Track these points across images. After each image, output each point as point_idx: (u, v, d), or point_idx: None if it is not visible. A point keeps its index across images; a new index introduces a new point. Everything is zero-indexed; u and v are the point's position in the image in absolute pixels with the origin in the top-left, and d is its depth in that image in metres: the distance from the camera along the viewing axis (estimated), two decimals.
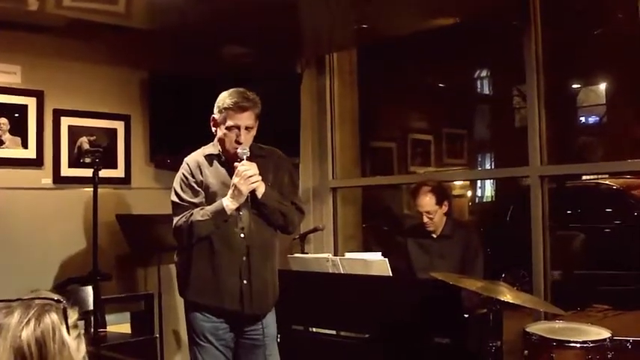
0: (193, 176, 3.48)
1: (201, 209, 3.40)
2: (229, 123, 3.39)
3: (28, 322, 1.41)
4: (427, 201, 4.46)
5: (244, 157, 3.36)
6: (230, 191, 3.37)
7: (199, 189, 3.47)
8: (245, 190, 3.34)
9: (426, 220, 4.48)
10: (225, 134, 3.42)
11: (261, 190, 3.40)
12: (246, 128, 3.41)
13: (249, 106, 3.40)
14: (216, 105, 3.47)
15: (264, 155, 3.50)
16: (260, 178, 3.37)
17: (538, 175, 4.74)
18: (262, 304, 3.52)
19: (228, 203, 3.37)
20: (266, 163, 3.48)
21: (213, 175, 3.49)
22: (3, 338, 1.40)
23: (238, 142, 3.39)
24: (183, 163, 3.56)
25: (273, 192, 3.48)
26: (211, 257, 3.45)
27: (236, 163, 3.37)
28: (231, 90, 3.46)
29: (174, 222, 3.45)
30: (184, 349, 5.20)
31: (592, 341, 3.01)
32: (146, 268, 5.30)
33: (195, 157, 3.54)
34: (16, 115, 4.73)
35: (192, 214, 3.39)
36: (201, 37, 5.15)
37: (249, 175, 3.33)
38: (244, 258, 3.44)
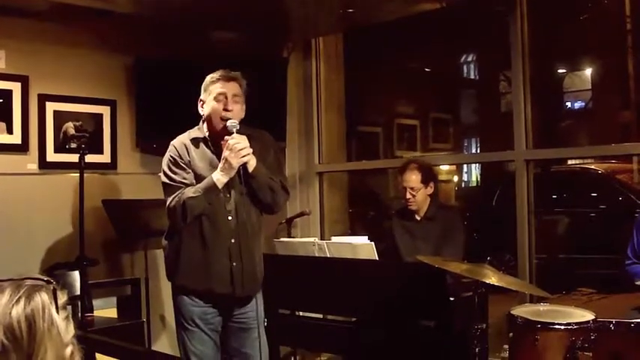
0: (181, 157, 3.48)
1: (192, 187, 3.41)
2: (217, 91, 3.43)
3: (18, 301, 1.43)
4: (413, 177, 4.48)
5: (234, 130, 3.36)
6: (220, 164, 3.38)
7: (189, 169, 3.48)
8: (235, 163, 3.34)
9: (408, 196, 4.48)
10: (213, 107, 3.43)
11: (252, 163, 3.40)
12: (234, 96, 3.43)
13: (235, 76, 3.48)
14: (202, 87, 3.52)
15: (251, 136, 3.49)
16: (251, 151, 3.37)
17: (523, 159, 4.78)
18: (252, 286, 3.55)
19: (218, 177, 3.37)
20: (253, 143, 3.47)
21: (199, 157, 3.50)
22: None
23: (227, 110, 3.40)
24: (170, 146, 3.56)
25: (263, 167, 3.49)
26: (200, 240, 3.46)
27: (226, 137, 3.37)
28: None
29: (167, 203, 3.44)
30: (171, 333, 5.20)
31: (576, 323, 3.04)
32: (133, 253, 5.29)
33: (181, 140, 3.55)
34: (1, 100, 4.70)
35: (183, 192, 3.39)
36: (186, 21, 5.14)
37: (239, 149, 3.34)
38: (232, 240, 3.45)
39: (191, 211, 3.38)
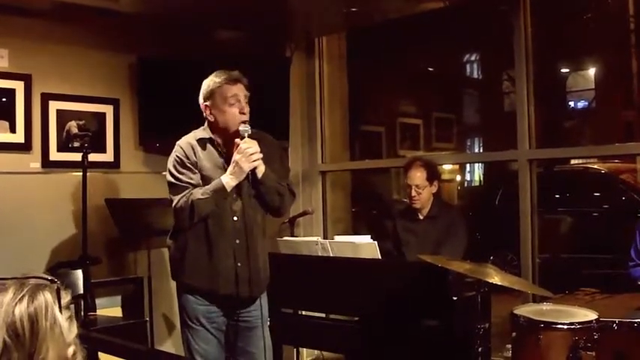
0: (188, 157, 3.47)
1: (200, 188, 3.41)
2: (229, 95, 3.40)
3: (21, 299, 1.43)
4: (418, 175, 4.48)
5: (246, 134, 3.36)
6: (230, 168, 3.37)
7: (195, 169, 3.47)
8: (246, 167, 3.34)
9: (413, 193, 4.48)
10: (226, 112, 3.41)
11: (261, 169, 3.41)
12: (245, 97, 3.43)
13: (238, 77, 3.45)
14: (205, 91, 3.47)
15: (254, 139, 3.48)
16: (261, 156, 3.38)
17: (526, 158, 4.77)
18: (257, 286, 3.54)
19: (228, 180, 3.37)
20: (260, 147, 3.45)
21: (206, 158, 3.49)
22: None
23: (242, 113, 3.40)
24: (176, 146, 3.54)
25: (271, 173, 3.49)
26: (205, 241, 3.46)
27: (237, 140, 3.37)
28: (214, 73, 3.49)
29: (174, 203, 3.43)
30: (174, 332, 5.22)
31: (579, 323, 3.04)
32: (136, 252, 5.29)
33: (187, 140, 3.53)
34: (4, 99, 4.70)
35: (191, 193, 3.39)
36: (189, 20, 5.14)
37: (250, 153, 3.34)
38: (237, 241, 3.45)
39: (199, 213, 3.38)
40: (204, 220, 3.43)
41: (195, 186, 3.43)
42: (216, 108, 3.44)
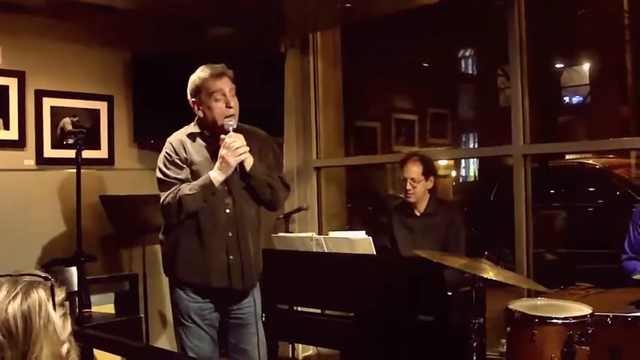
0: (177, 154, 3.46)
1: (188, 184, 3.40)
2: (214, 89, 3.37)
3: (15, 297, 1.42)
4: (414, 169, 4.47)
5: (231, 128, 3.35)
6: (217, 163, 3.37)
7: (184, 165, 3.46)
8: (233, 162, 3.33)
9: (408, 187, 4.47)
10: (212, 107, 3.40)
11: (249, 162, 3.39)
12: (231, 91, 3.40)
13: (223, 71, 3.42)
14: (191, 88, 3.45)
15: (248, 134, 3.46)
16: (248, 149, 3.36)
17: (521, 153, 4.77)
18: (249, 279, 3.51)
19: (215, 175, 3.36)
20: (250, 142, 3.45)
21: (196, 152, 3.48)
22: None
23: (229, 107, 3.38)
24: (166, 142, 3.54)
25: (261, 165, 3.48)
26: (198, 234, 3.44)
27: (222, 135, 3.36)
28: (199, 68, 3.47)
29: (162, 199, 3.43)
30: (169, 329, 5.21)
31: (573, 317, 3.05)
32: (131, 249, 5.29)
33: (177, 136, 3.53)
34: None
35: (179, 189, 3.38)
36: (184, 17, 5.13)
37: (236, 147, 3.33)
38: (230, 234, 3.44)
39: (186, 208, 3.37)
40: (196, 215, 3.42)
41: (183, 182, 3.42)
42: (203, 104, 3.42)
